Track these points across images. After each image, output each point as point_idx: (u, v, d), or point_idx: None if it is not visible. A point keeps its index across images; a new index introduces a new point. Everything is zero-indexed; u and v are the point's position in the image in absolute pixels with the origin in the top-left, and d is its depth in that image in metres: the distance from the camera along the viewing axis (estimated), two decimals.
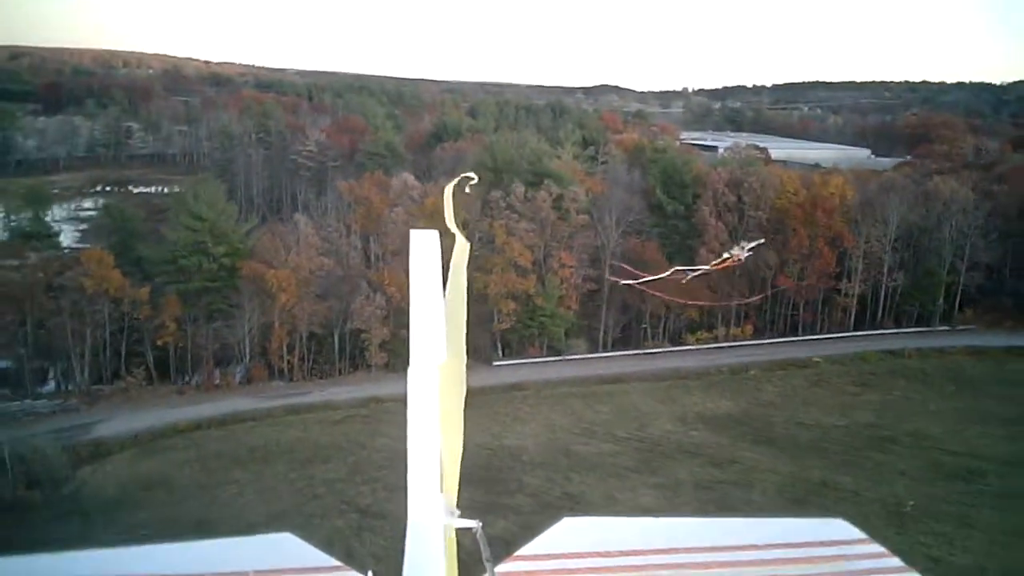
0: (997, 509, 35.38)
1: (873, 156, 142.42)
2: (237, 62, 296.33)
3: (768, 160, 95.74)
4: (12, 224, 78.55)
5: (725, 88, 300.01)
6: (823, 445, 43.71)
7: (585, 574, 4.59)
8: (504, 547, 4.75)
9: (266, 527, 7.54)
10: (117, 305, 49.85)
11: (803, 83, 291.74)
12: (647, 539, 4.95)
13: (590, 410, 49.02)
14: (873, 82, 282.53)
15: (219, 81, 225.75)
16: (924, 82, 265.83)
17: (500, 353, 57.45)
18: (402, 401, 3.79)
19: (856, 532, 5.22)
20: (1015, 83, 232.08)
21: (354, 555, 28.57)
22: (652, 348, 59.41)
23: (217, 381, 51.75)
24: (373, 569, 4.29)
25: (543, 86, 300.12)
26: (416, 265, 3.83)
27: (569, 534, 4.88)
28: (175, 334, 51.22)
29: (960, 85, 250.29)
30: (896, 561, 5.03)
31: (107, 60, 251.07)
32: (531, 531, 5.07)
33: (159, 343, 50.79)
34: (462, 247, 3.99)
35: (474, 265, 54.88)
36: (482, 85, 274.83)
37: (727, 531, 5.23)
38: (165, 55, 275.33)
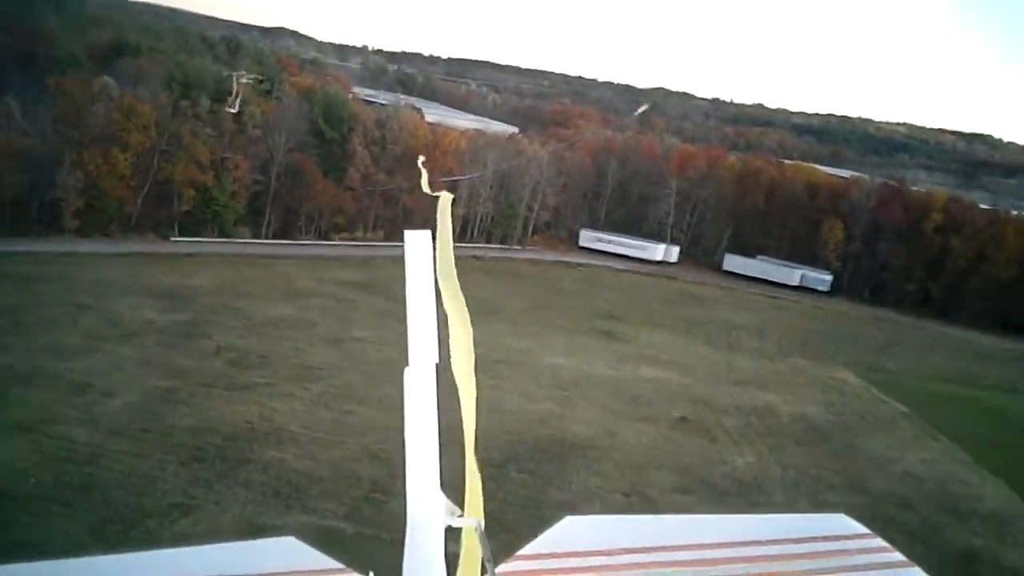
0: None
1: (519, 134, 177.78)
2: None
3: (420, 120, 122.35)
4: None
5: (403, 52, 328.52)
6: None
7: (587, 573, 4.70)
8: None
9: None
10: None
11: (475, 60, 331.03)
12: (649, 537, 5.11)
13: (246, 274, 69.84)
14: (535, 70, 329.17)
15: None
16: (579, 77, 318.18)
17: (177, 232, 75.78)
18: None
19: (858, 527, 5.41)
20: (654, 89, 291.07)
21: None
22: (304, 241, 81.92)
23: None
24: (373, 571, 4.33)
25: (218, 18, 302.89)
26: (410, 265, 3.96)
27: (570, 533, 5.03)
28: None
29: (608, 84, 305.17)
30: (898, 555, 5.17)
31: None
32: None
33: None
34: (446, 201, 4.16)
35: (163, 158, 73.46)
36: (150, 6, 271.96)
37: (728, 528, 5.46)
38: None
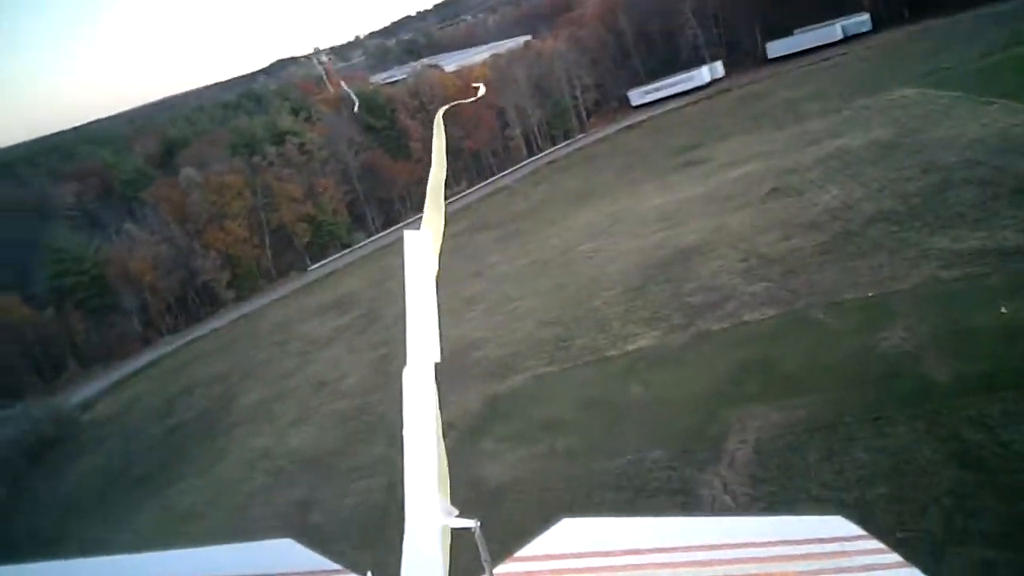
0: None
1: (531, 39, 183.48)
2: None
3: (444, 73, 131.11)
4: None
5: (394, 24, 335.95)
6: (547, 197, 79.48)
7: (583, 574, 4.84)
8: None
9: None
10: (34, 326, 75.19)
11: None
12: (646, 539, 5.15)
13: (380, 263, 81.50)
14: None
15: None
16: None
17: (310, 262, 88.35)
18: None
19: (855, 529, 5.38)
20: None
21: None
22: (408, 219, 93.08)
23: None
24: (372, 571, 4.53)
25: (219, 82, 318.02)
26: (409, 266, 4.30)
27: (567, 535, 5.15)
28: (81, 333, 77.35)
29: None
30: (895, 557, 5.19)
31: None
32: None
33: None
34: (434, 233, 4.48)
35: (267, 210, 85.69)
36: (157, 104, 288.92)
37: (726, 530, 5.48)
38: None
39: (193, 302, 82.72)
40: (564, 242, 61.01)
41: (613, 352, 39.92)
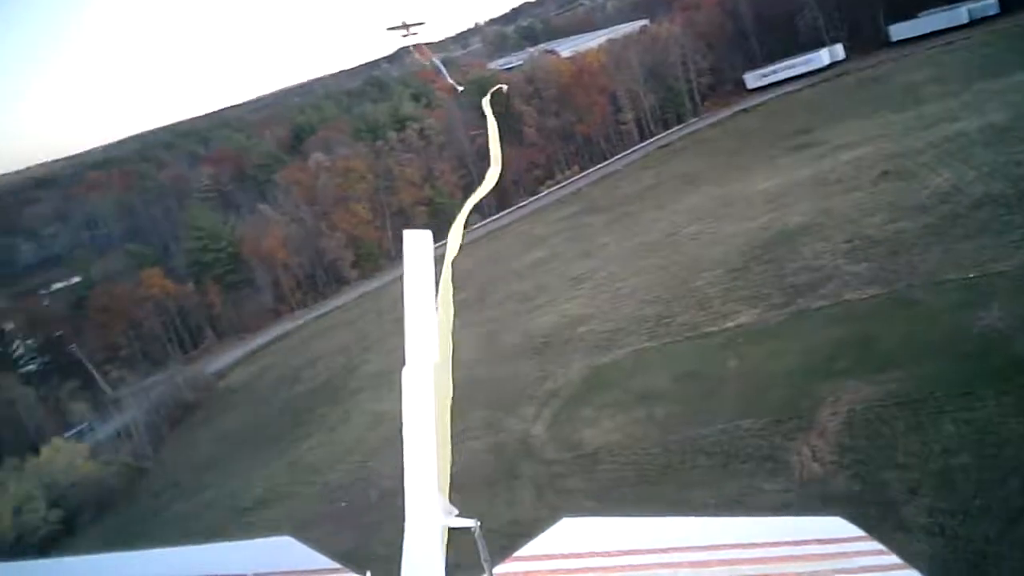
0: None
1: (648, 23, 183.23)
2: (47, 160, 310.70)
3: (559, 59, 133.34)
4: None
5: (512, 10, 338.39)
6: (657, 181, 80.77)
7: (583, 574, 4.79)
8: None
9: None
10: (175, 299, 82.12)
11: None
12: (646, 539, 5.13)
13: (492, 246, 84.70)
14: None
15: (43, 183, 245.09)
16: None
17: None
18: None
19: (855, 530, 5.40)
20: None
21: None
22: (521, 203, 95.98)
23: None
24: (371, 570, 4.48)
25: (345, 70, 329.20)
26: (409, 265, 4.29)
27: (568, 534, 5.08)
28: (218, 306, 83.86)
29: None
30: (895, 558, 5.23)
31: None
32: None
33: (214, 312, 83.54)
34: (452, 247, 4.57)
35: (388, 193, 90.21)
36: (286, 92, 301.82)
37: (726, 530, 5.42)
38: None
39: (320, 279, 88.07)
40: (671, 224, 62.34)
41: (712, 328, 41.46)
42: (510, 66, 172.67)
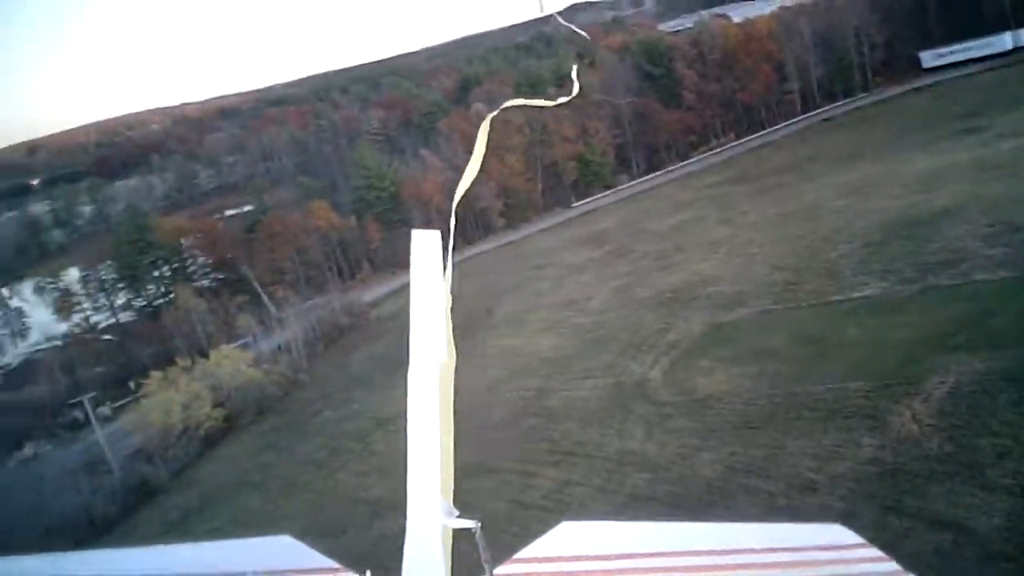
0: None
1: None
2: (230, 93, 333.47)
3: (729, 23, 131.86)
4: None
5: None
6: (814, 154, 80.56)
7: None
8: None
9: None
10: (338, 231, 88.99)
11: None
12: (646, 543, 5.21)
13: (637, 207, 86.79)
14: None
15: (226, 114, 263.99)
16: None
17: (574, 199, 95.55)
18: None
19: (854, 537, 5.42)
20: None
21: None
22: (670, 168, 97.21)
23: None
24: (371, 570, 4.55)
25: (517, 24, 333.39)
26: (417, 265, 4.34)
27: (568, 538, 5.16)
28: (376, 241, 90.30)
29: None
30: (894, 565, 5.23)
31: (113, 129, 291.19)
32: None
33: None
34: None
35: (542, 148, 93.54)
36: (456, 43, 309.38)
37: (725, 536, 5.46)
38: (159, 108, 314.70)
39: (469, 225, 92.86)
40: (817, 198, 62.63)
41: (838, 297, 42.69)
42: (679, 28, 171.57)
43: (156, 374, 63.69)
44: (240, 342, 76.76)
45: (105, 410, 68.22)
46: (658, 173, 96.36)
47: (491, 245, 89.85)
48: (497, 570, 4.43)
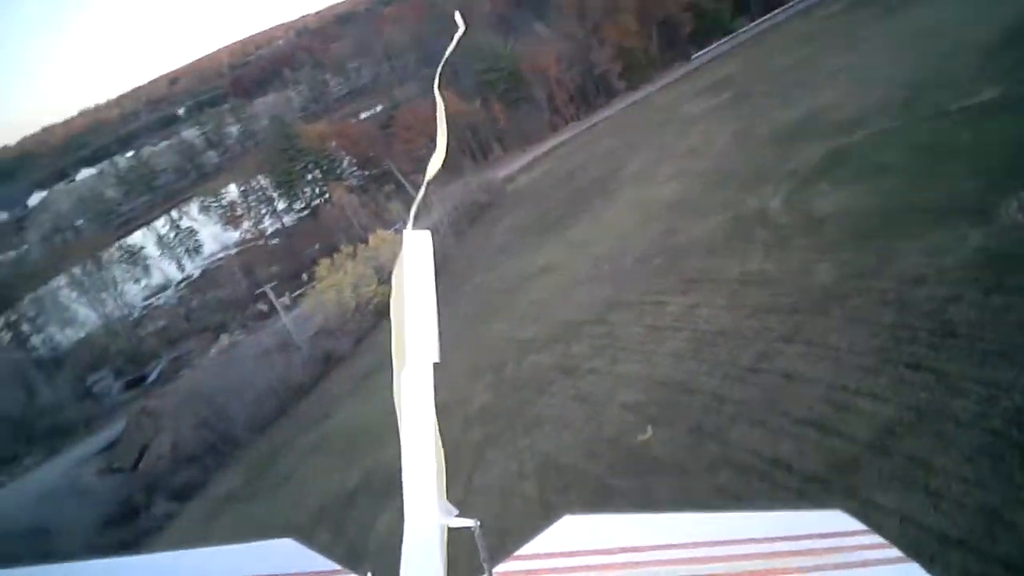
0: None
1: None
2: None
3: None
4: None
5: None
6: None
7: (585, 572, 4.72)
8: None
9: None
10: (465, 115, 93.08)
11: None
12: (647, 536, 5.06)
13: (758, 51, 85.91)
14: None
15: (343, 20, 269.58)
16: None
17: (692, 50, 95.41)
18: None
19: (856, 524, 5.29)
20: None
21: None
22: (791, 1, 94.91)
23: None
24: (371, 570, 4.50)
25: None
26: (409, 265, 4.24)
27: (568, 532, 4.98)
28: (502, 121, 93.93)
29: None
30: (895, 552, 5.10)
31: (242, 50, 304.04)
32: None
33: None
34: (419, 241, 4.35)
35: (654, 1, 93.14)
36: None
37: (726, 526, 5.32)
38: (280, 24, 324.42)
39: (591, 92, 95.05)
40: (939, 20, 61.10)
41: (955, 106, 43.28)
42: None
43: (324, 261, 71.35)
44: (393, 228, 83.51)
45: (285, 299, 76.93)
46: (777, 11, 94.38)
47: (614, 109, 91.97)
48: (497, 568, 4.39)
